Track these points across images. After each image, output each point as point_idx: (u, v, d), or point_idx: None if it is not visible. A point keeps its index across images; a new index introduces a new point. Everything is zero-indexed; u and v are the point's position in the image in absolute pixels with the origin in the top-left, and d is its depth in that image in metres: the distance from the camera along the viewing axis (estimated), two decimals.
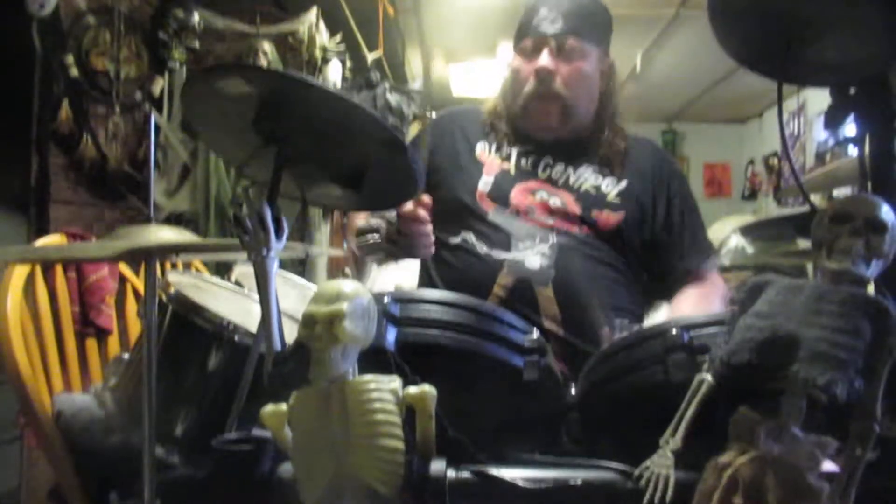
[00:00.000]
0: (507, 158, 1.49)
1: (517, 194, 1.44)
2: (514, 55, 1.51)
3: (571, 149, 1.49)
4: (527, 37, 1.47)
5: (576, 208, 1.42)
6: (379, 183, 1.07)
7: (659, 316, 1.51)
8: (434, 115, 1.67)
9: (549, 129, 1.48)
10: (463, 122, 1.58)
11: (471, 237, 1.42)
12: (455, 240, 1.43)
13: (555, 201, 1.43)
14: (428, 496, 0.70)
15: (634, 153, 1.51)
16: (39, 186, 2.85)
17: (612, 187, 1.46)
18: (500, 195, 1.44)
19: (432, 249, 1.34)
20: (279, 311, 0.92)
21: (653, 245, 1.47)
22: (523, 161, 1.48)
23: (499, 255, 1.38)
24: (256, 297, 0.96)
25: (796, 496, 0.63)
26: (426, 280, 1.53)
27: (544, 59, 1.43)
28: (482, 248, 1.40)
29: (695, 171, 7.14)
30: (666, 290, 1.49)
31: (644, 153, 1.52)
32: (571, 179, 1.46)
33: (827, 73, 0.95)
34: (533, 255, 1.37)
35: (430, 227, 1.31)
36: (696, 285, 1.46)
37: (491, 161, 1.50)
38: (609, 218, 1.42)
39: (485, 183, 1.46)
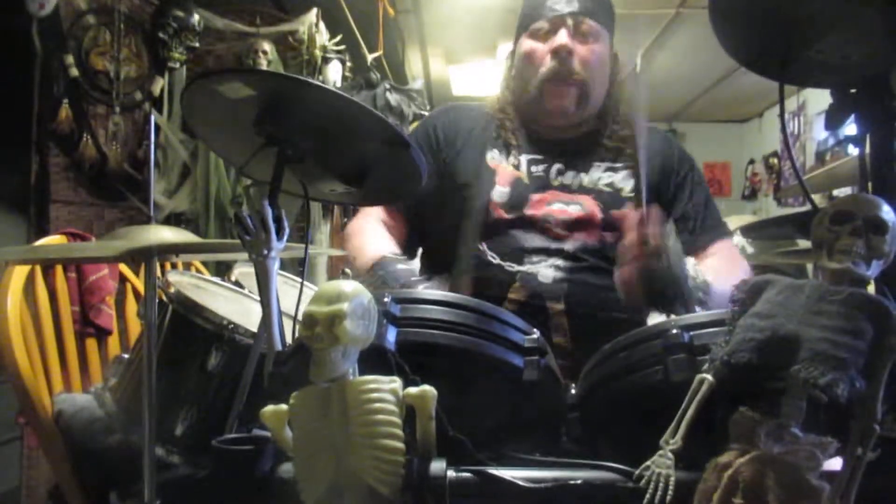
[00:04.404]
0: (518, 167, 1.45)
1: (533, 205, 1.39)
2: (523, 40, 1.46)
3: (580, 149, 1.45)
4: (540, 18, 1.42)
5: (597, 212, 1.38)
6: (383, 179, 1.07)
7: (660, 316, 1.50)
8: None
9: (564, 114, 1.43)
10: (470, 122, 1.52)
11: (483, 246, 1.38)
12: (465, 249, 1.38)
13: (574, 208, 1.39)
14: (428, 496, 0.70)
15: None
16: (39, 186, 2.85)
17: (625, 181, 1.43)
18: (515, 206, 1.40)
19: None
20: (280, 311, 0.92)
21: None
22: (534, 168, 1.44)
23: (511, 266, 1.35)
24: (257, 297, 0.96)
25: (797, 496, 0.63)
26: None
27: (562, 37, 1.39)
28: (494, 259, 1.36)
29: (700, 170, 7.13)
30: None
31: (653, 141, 1.48)
32: (586, 181, 1.42)
33: (827, 73, 0.95)
34: (546, 269, 1.34)
35: None
36: (715, 257, 1.41)
37: (503, 169, 1.44)
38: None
39: (500, 193, 1.41)
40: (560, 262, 1.34)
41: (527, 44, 1.45)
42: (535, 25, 1.44)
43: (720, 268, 1.34)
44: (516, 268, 1.35)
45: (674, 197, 1.46)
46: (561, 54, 1.39)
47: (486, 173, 1.44)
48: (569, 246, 1.36)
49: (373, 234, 1.46)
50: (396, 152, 0.99)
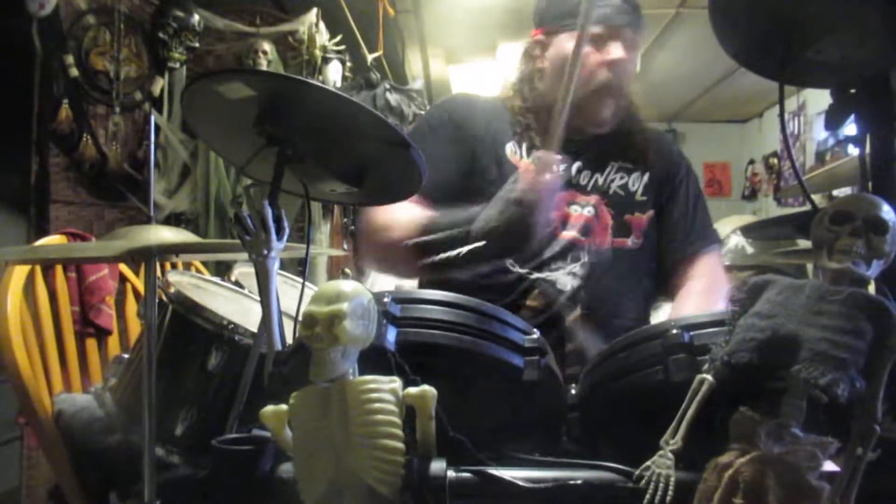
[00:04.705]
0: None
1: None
2: (566, 38, 1.38)
3: (596, 149, 1.44)
4: (592, 22, 1.35)
5: (607, 215, 1.37)
6: (383, 178, 1.07)
7: (660, 316, 1.50)
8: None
9: (600, 124, 1.41)
10: (485, 114, 1.47)
11: None
12: None
13: (588, 210, 1.37)
14: (428, 496, 0.70)
15: (652, 143, 1.47)
16: (39, 186, 2.85)
17: (637, 183, 1.42)
18: None
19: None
20: (280, 311, 0.92)
21: (664, 231, 1.44)
22: None
23: (530, 273, 1.32)
24: (256, 297, 0.96)
25: (797, 496, 0.63)
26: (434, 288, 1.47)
27: (619, 51, 1.37)
28: (513, 266, 1.32)
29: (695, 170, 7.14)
30: (669, 274, 1.45)
31: (657, 143, 1.49)
32: (599, 181, 1.41)
33: (827, 73, 0.95)
34: (564, 276, 1.32)
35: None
36: (698, 277, 1.42)
37: (525, 166, 1.38)
38: (640, 220, 1.39)
39: None
40: (578, 269, 1.33)
41: (570, 45, 1.36)
42: (592, 30, 1.35)
43: (700, 301, 1.35)
44: (535, 274, 1.32)
45: (669, 201, 1.46)
46: (618, 69, 1.37)
47: (504, 167, 1.40)
48: (586, 252, 1.34)
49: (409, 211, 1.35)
50: (397, 152, 0.99)
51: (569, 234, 1.35)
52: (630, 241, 1.38)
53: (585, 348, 1.28)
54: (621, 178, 1.42)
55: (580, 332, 1.29)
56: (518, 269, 1.32)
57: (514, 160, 1.41)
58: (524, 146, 1.42)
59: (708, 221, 1.51)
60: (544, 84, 1.44)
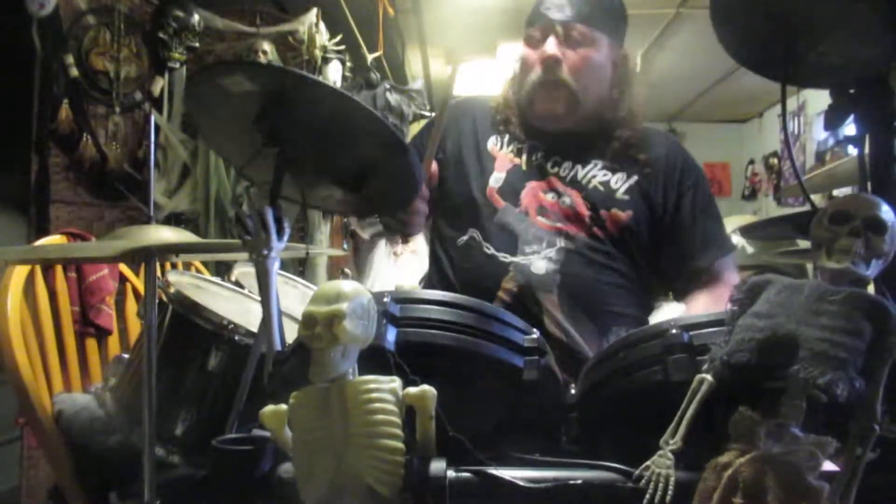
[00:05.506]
0: (519, 154, 1.47)
1: (528, 193, 1.42)
2: (522, 45, 1.49)
3: (580, 144, 1.46)
4: (534, 24, 1.44)
5: (584, 208, 1.39)
6: (379, 186, 1.07)
7: (660, 316, 1.50)
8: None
9: (555, 118, 1.45)
10: (475, 113, 1.56)
11: (478, 236, 1.40)
12: (462, 238, 1.42)
13: (565, 200, 1.41)
14: (428, 496, 0.70)
15: (647, 146, 1.47)
16: (39, 186, 2.85)
17: (621, 183, 1.43)
18: (510, 193, 1.43)
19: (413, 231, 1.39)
20: (280, 311, 0.92)
21: (664, 241, 1.44)
22: (533, 157, 1.46)
23: (505, 257, 1.37)
24: (257, 297, 0.96)
25: (796, 496, 0.63)
26: (432, 278, 1.51)
27: (550, 46, 1.40)
28: (489, 249, 1.39)
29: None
30: (680, 288, 1.46)
31: (657, 146, 1.49)
32: (580, 176, 1.43)
33: (828, 73, 0.95)
34: (539, 260, 1.35)
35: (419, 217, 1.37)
36: (709, 286, 1.42)
37: (503, 156, 1.48)
38: (618, 216, 1.39)
39: (496, 179, 1.45)
40: (553, 253, 1.36)
41: (522, 50, 1.48)
42: (529, 32, 1.46)
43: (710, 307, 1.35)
44: (510, 258, 1.37)
45: (674, 212, 1.44)
46: (548, 63, 1.41)
47: (484, 159, 1.48)
48: (562, 238, 1.37)
49: None
50: (394, 157, 0.99)
51: (542, 220, 1.40)
52: (606, 235, 1.39)
53: (564, 333, 1.32)
54: (604, 174, 1.44)
55: (557, 317, 1.33)
56: (494, 252, 1.38)
57: (493, 151, 1.50)
58: (505, 138, 1.50)
59: (721, 229, 1.50)
60: (515, 84, 1.51)
